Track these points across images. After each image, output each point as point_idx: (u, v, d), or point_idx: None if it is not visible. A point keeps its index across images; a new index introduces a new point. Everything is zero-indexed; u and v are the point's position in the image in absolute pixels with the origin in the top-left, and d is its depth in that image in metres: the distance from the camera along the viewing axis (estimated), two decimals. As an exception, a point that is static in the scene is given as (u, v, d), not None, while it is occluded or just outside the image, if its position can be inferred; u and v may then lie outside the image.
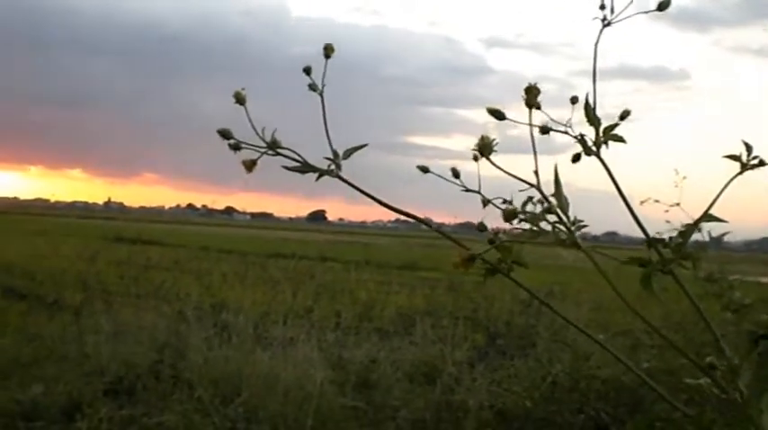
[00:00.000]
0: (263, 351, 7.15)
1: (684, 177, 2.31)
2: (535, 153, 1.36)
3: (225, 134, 1.34)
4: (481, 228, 1.38)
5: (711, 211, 1.42)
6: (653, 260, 1.38)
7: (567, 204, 1.36)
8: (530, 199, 1.37)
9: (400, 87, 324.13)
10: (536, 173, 1.35)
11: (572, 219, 1.36)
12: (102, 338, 7.77)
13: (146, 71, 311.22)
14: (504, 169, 1.36)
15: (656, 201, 1.91)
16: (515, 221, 1.36)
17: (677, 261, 1.37)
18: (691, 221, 1.45)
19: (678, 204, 1.88)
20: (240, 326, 8.21)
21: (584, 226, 1.37)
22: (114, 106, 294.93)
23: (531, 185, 1.35)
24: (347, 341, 8.74)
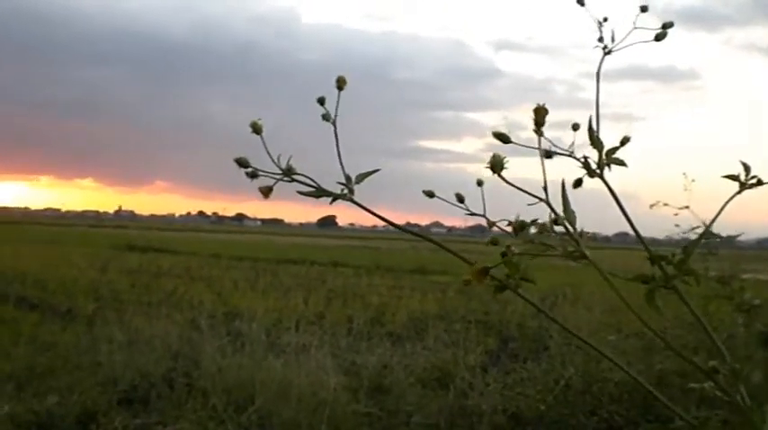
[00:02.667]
0: (275, 358, 7.17)
1: (693, 180, 2.31)
2: (544, 171, 1.38)
3: (242, 163, 1.37)
4: (494, 242, 1.40)
5: (721, 213, 1.44)
6: (656, 276, 1.40)
7: (575, 218, 1.38)
8: (534, 221, 1.40)
9: (411, 92, 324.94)
10: (545, 189, 1.37)
11: (579, 231, 1.38)
12: (115, 347, 7.80)
13: (155, 79, 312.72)
14: (513, 181, 1.38)
15: (666, 204, 1.93)
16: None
17: (680, 277, 1.39)
18: (699, 223, 1.47)
19: (687, 207, 1.89)
20: (253, 333, 8.23)
21: (592, 237, 1.39)
22: (124, 115, 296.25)
23: (541, 200, 1.37)
24: (360, 346, 8.76)
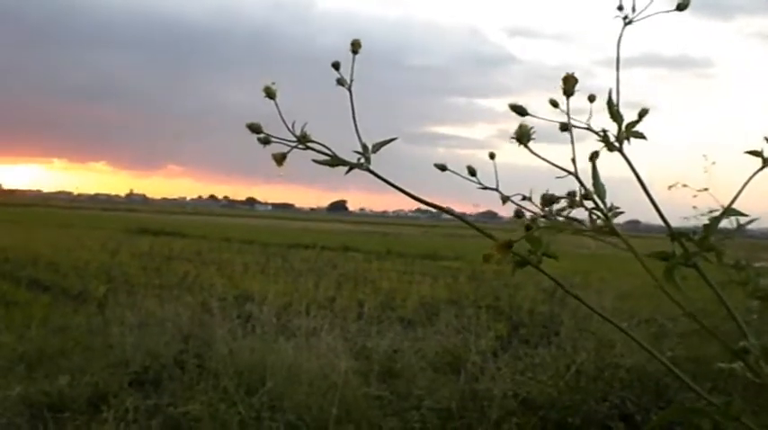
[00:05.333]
0: (286, 341, 7.17)
1: (714, 163, 2.28)
2: (572, 140, 1.36)
3: (254, 128, 1.35)
4: (518, 214, 1.38)
5: (742, 191, 1.42)
6: (676, 253, 1.38)
7: (604, 191, 1.36)
8: (549, 194, 1.38)
9: (424, 78, 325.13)
10: (573, 161, 1.35)
11: (608, 205, 1.36)
12: (126, 329, 7.82)
13: (171, 64, 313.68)
14: (524, 168, 1.37)
15: (684, 185, 1.91)
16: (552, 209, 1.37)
17: (701, 254, 1.37)
18: (715, 207, 1.45)
19: (707, 189, 1.88)
20: (263, 316, 8.23)
21: (621, 212, 1.37)
22: (139, 99, 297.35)
23: (569, 172, 1.35)
24: (370, 331, 8.75)
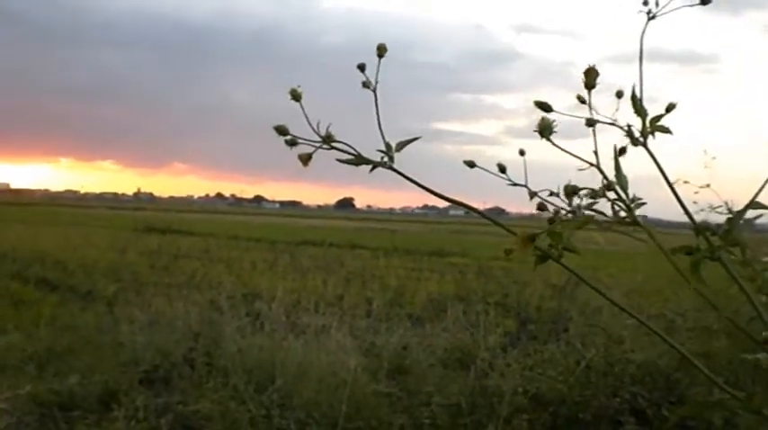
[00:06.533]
0: (295, 339, 7.16)
1: (714, 158, 2.27)
2: (594, 134, 1.35)
3: (281, 131, 1.35)
4: (541, 208, 1.38)
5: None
6: (700, 247, 1.37)
7: (627, 182, 1.35)
8: (572, 186, 1.37)
9: (429, 75, 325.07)
10: (595, 153, 1.34)
11: (631, 196, 1.35)
12: (136, 328, 7.83)
13: (176, 62, 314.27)
14: (539, 163, 1.36)
15: (686, 182, 1.90)
16: (572, 203, 1.36)
17: (725, 248, 1.36)
18: (720, 202, 1.45)
19: (708, 185, 1.87)
20: (272, 314, 8.23)
21: (644, 203, 1.36)
22: (145, 97, 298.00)
23: (592, 164, 1.34)
24: (379, 328, 8.74)
